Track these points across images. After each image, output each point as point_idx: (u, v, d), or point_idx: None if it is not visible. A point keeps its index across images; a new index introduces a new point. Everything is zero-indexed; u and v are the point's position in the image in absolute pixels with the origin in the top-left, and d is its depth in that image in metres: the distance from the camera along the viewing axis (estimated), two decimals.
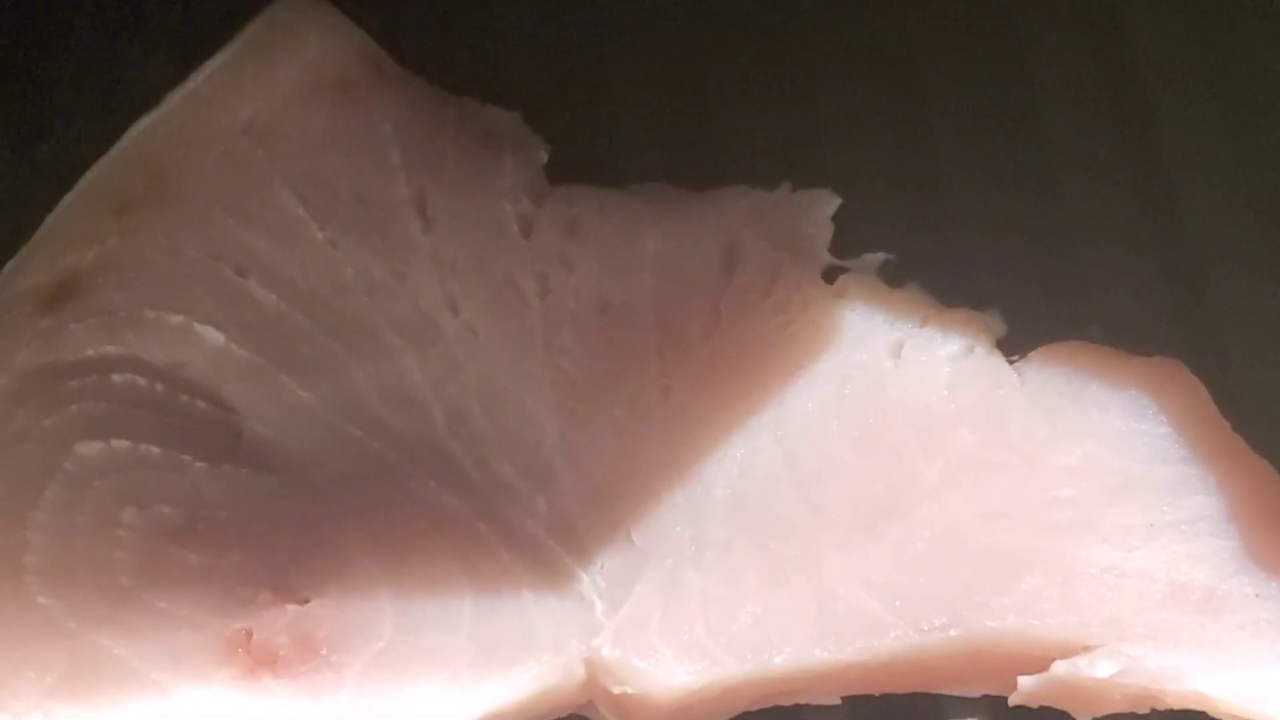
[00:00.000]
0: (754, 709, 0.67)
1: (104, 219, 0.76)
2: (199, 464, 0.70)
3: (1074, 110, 0.85)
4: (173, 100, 0.80)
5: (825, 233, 0.78)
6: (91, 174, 0.78)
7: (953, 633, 0.66)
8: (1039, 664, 0.66)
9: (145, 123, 0.79)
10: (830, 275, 0.77)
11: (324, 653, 0.65)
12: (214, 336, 0.73)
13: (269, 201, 0.77)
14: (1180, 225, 0.81)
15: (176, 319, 0.73)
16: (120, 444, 0.70)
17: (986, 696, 0.68)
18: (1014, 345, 0.75)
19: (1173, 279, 0.79)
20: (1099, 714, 0.67)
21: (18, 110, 0.86)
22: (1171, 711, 0.67)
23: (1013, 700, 0.67)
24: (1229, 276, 0.79)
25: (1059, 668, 0.66)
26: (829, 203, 0.79)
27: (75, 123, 0.86)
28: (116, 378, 0.72)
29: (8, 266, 0.76)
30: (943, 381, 0.73)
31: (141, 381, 0.72)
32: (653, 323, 0.75)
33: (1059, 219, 0.81)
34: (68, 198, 0.78)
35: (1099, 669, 0.65)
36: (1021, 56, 0.85)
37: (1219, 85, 0.84)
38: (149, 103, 0.80)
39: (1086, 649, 0.66)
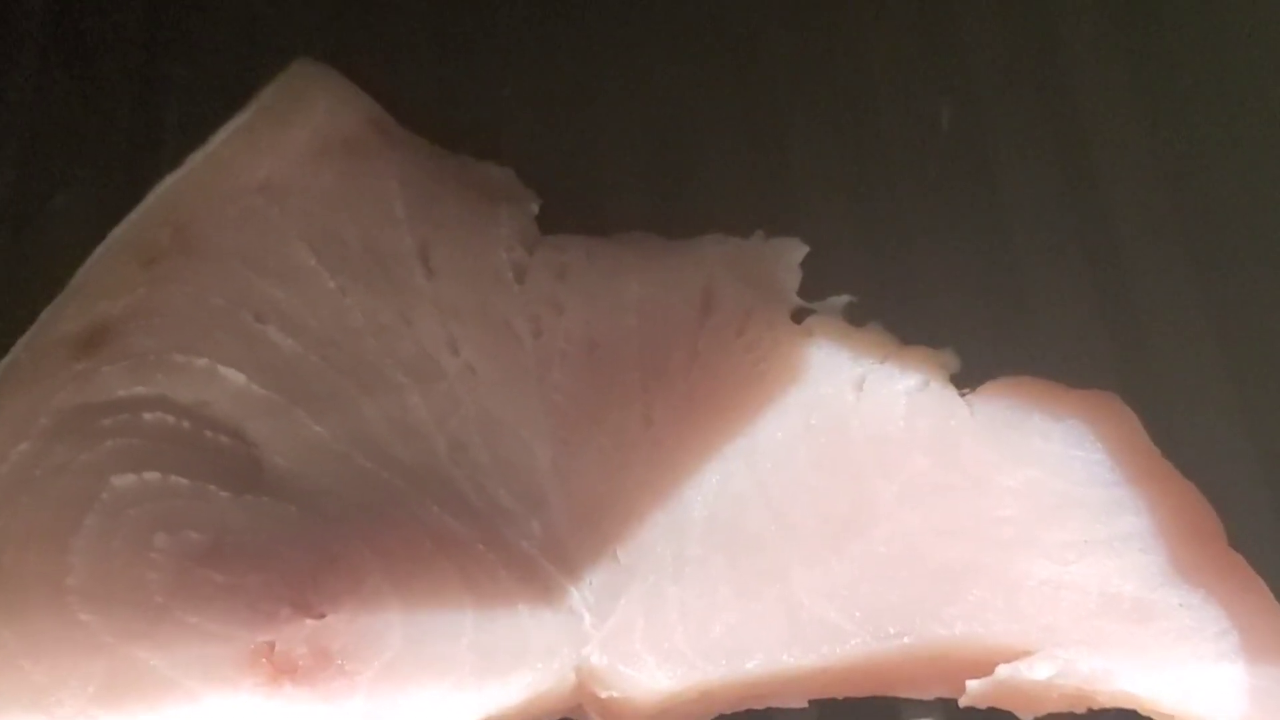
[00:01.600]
0: (729, 711, 0.72)
1: (133, 270, 0.81)
2: (224, 493, 0.75)
3: (1025, 170, 0.89)
4: (194, 160, 0.84)
5: (794, 277, 0.83)
6: (120, 228, 0.83)
7: (907, 640, 0.71)
8: (985, 668, 0.70)
9: (170, 181, 0.84)
10: (799, 316, 0.82)
11: (339, 662, 0.70)
12: (236, 377, 0.78)
13: (284, 254, 0.82)
14: (1120, 275, 0.86)
15: (201, 361, 0.78)
16: (151, 476, 0.75)
17: (939, 699, 0.73)
18: (966, 380, 0.80)
19: (1111, 322, 0.84)
20: (1039, 713, 0.71)
21: (45, 164, 0.90)
22: (1105, 711, 0.72)
23: (962, 702, 0.71)
24: (1163, 320, 0.84)
25: (1002, 671, 0.70)
26: (798, 250, 0.84)
27: (101, 178, 0.90)
28: (147, 415, 0.77)
29: (44, 315, 0.81)
30: (900, 412, 0.78)
31: (170, 419, 0.77)
32: (636, 360, 0.80)
33: (1009, 267, 0.86)
34: (98, 250, 0.82)
35: (1038, 672, 0.70)
36: (978, 121, 0.90)
37: (1161, 148, 0.89)
38: (167, 162, 0.86)
39: (1027, 654, 0.70)
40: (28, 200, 0.89)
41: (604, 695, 0.70)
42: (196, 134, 0.85)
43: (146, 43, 0.93)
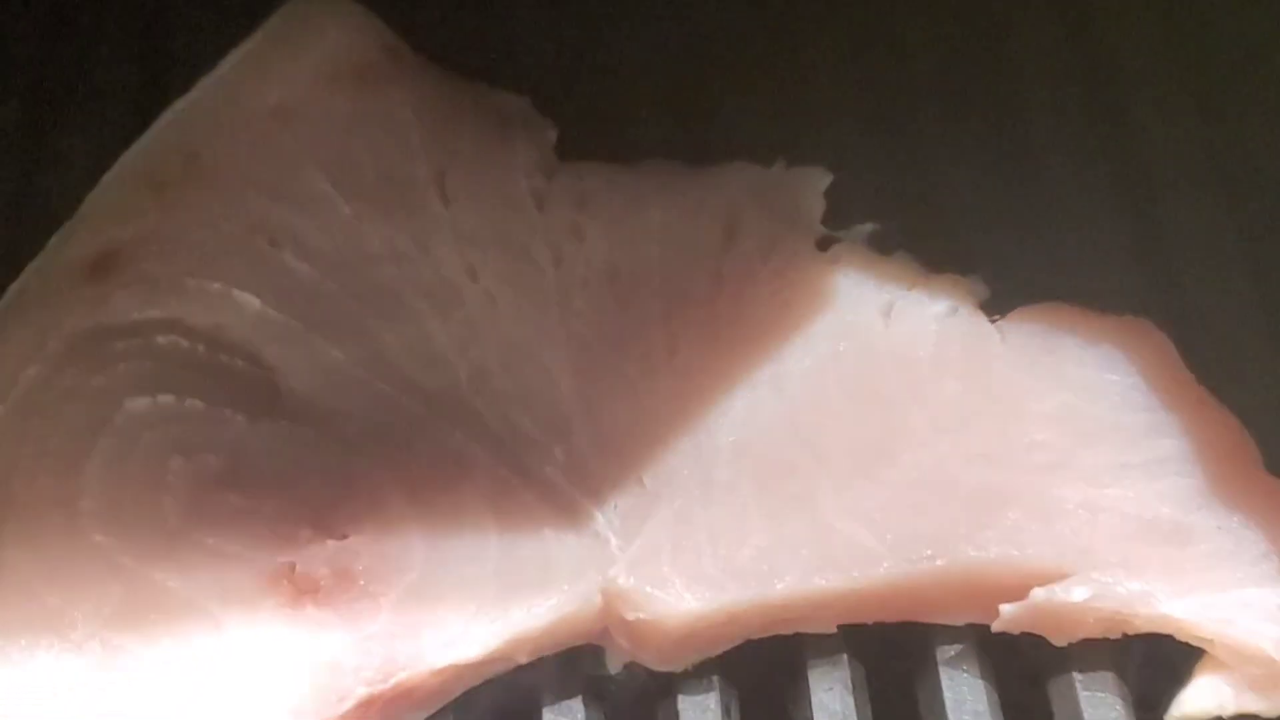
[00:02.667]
0: (756, 636, 0.71)
1: (144, 196, 0.81)
2: (240, 417, 0.74)
3: (1053, 94, 0.89)
4: (203, 87, 0.84)
5: (819, 206, 0.83)
6: (129, 155, 0.83)
7: (940, 563, 0.70)
8: (1019, 592, 0.70)
9: (179, 106, 0.84)
10: (824, 244, 0.81)
11: (362, 583, 0.69)
12: (251, 302, 0.77)
13: (298, 179, 0.81)
14: (1151, 200, 0.86)
15: (215, 286, 0.77)
16: (166, 399, 0.74)
17: (971, 625, 0.72)
18: (995, 307, 0.79)
19: (1142, 247, 0.84)
20: (1074, 638, 0.70)
21: (53, 94, 0.90)
22: (1140, 636, 0.71)
23: (995, 627, 0.70)
24: (1195, 245, 0.84)
25: (1037, 595, 0.69)
26: (822, 178, 0.83)
27: (108, 107, 0.90)
28: (161, 339, 0.76)
29: (53, 240, 0.80)
30: (930, 338, 0.77)
31: (184, 343, 0.76)
32: (659, 288, 0.79)
33: (1038, 193, 0.86)
34: (107, 176, 0.82)
35: (1075, 595, 0.69)
36: (1004, 45, 0.90)
37: (1191, 74, 0.89)
38: (176, 89, 0.85)
39: (1063, 577, 0.70)
40: (37, 129, 0.89)
41: (631, 618, 0.69)
42: (204, 62, 0.84)
43: None
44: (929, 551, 0.70)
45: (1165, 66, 0.89)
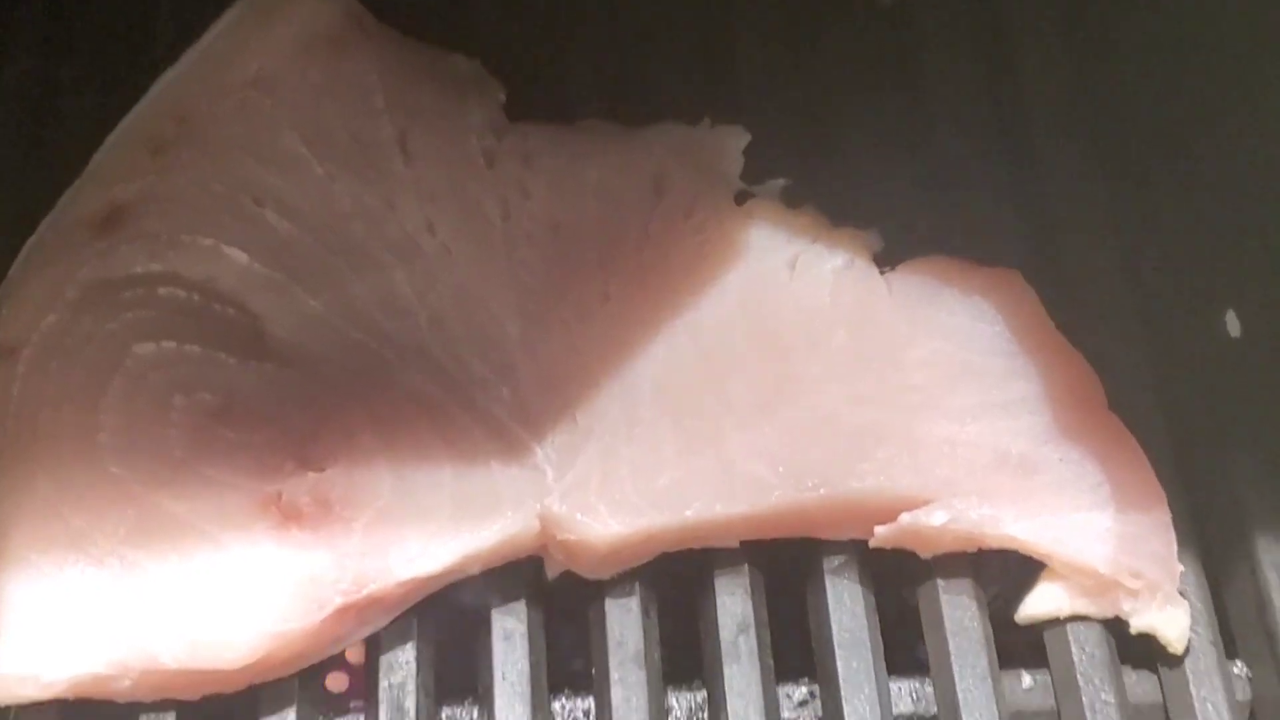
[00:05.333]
0: (671, 549, 0.83)
1: (143, 158, 0.89)
2: (232, 360, 0.84)
3: (950, 65, 0.99)
4: (190, 56, 0.92)
5: (737, 163, 0.92)
6: (129, 119, 0.92)
7: (824, 492, 0.81)
8: (891, 515, 0.81)
9: (170, 75, 0.92)
10: (740, 199, 0.91)
11: (337, 509, 0.80)
12: (239, 256, 0.86)
13: (278, 143, 0.90)
14: (1032, 163, 0.96)
15: (207, 241, 0.86)
16: (168, 344, 0.84)
17: (852, 540, 0.83)
18: (889, 257, 0.90)
19: (1021, 205, 0.94)
20: (936, 552, 0.83)
21: (58, 56, 0.99)
22: (994, 550, 0.83)
23: (872, 544, 0.82)
24: (1068, 205, 0.94)
25: (905, 518, 0.81)
26: (741, 137, 0.93)
27: (103, 72, 0.98)
28: (161, 290, 0.85)
29: (64, 197, 0.90)
30: (827, 290, 0.88)
31: (181, 293, 0.85)
32: (595, 241, 0.89)
33: (933, 154, 0.95)
34: (110, 138, 0.91)
35: (935, 519, 0.81)
36: (909, 17, 1.00)
37: (1077, 47, 0.98)
38: (162, 55, 0.93)
39: (927, 503, 0.81)
40: (40, 89, 0.97)
41: (564, 538, 0.80)
42: (188, 31, 0.92)
43: None
44: (815, 482, 0.81)
45: (1056, 40, 0.99)
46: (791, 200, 0.91)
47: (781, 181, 0.92)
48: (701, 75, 0.98)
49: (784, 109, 0.97)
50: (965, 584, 0.83)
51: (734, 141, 0.93)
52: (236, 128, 0.90)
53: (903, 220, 0.92)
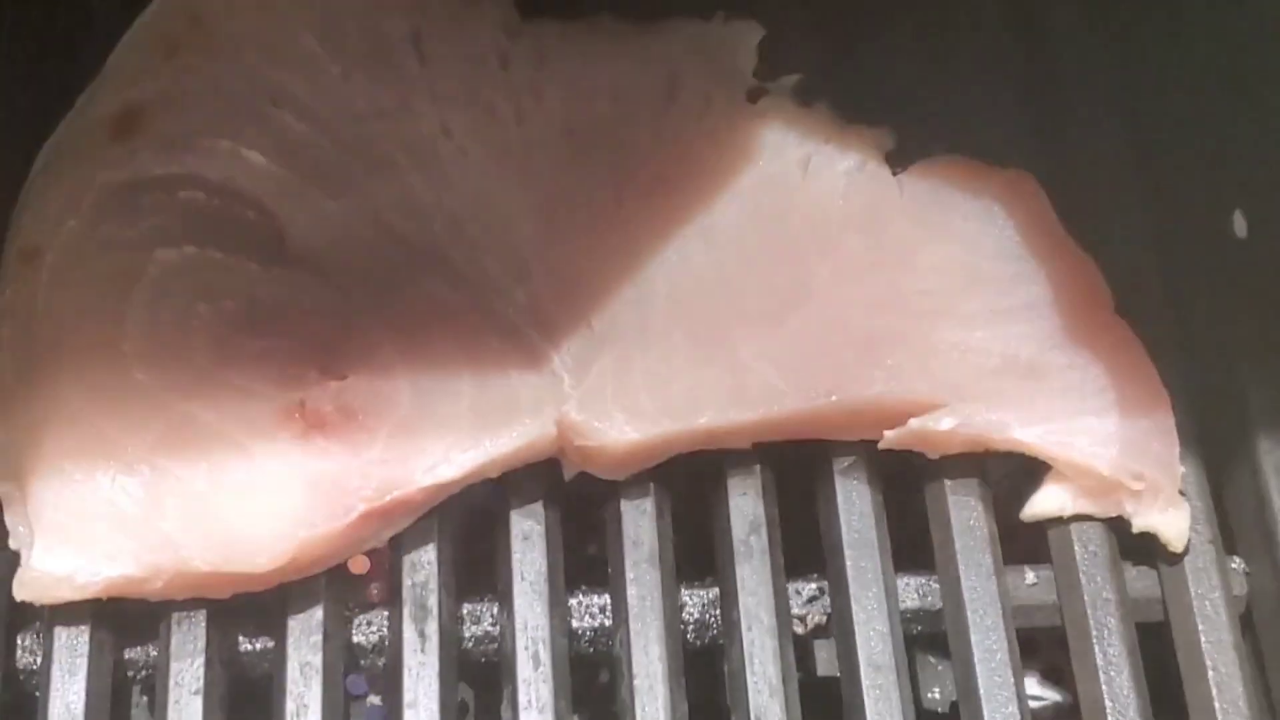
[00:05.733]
0: (685, 451, 0.85)
1: (157, 60, 0.89)
2: (253, 265, 0.85)
3: None
4: None
5: (751, 60, 0.92)
6: (142, 17, 0.91)
7: (834, 398, 0.83)
8: (900, 420, 0.83)
9: None
10: (753, 95, 0.91)
11: (360, 418, 0.81)
12: (257, 158, 0.87)
13: (292, 42, 0.90)
14: (1047, 62, 0.97)
15: (225, 143, 0.87)
16: (190, 250, 0.85)
17: (862, 441, 0.86)
18: (902, 156, 0.90)
19: (1037, 105, 0.95)
20: (944, 453, 0.85)
21: None
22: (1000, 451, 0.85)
23: (880, 446, 0.85)
24: (1083, 107, 0.95)
25: (914, 423, 0.83)
26: (755, 32, 0.93)
27: None
28: (181, 194, 0.86)
29: (80, 98, 0.90)
30: (839, 193, 0.88)
31: (201, 196, 0.86)
32: (608, 144, 0.89)
33: (945, 50, 0.96)
34: (125, 38, 0.91)
35: (943, 424, 0.83)
36: None
37: None
38: None
39: (935, 408, 0.83)
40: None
41: (580, 444, 0.82)
42: None
43: None
44: (826, 389, 0.83)
45: None
46: (805, 96, 0.91)
47: (795, 77, 0.92)
48: None
49: (799, 2, 0.96)
50: (972, 484, 0.85)
51: (748, 36, 0.93)
52: (250, 26, 0.90)
53: (916, 117, 0.92)
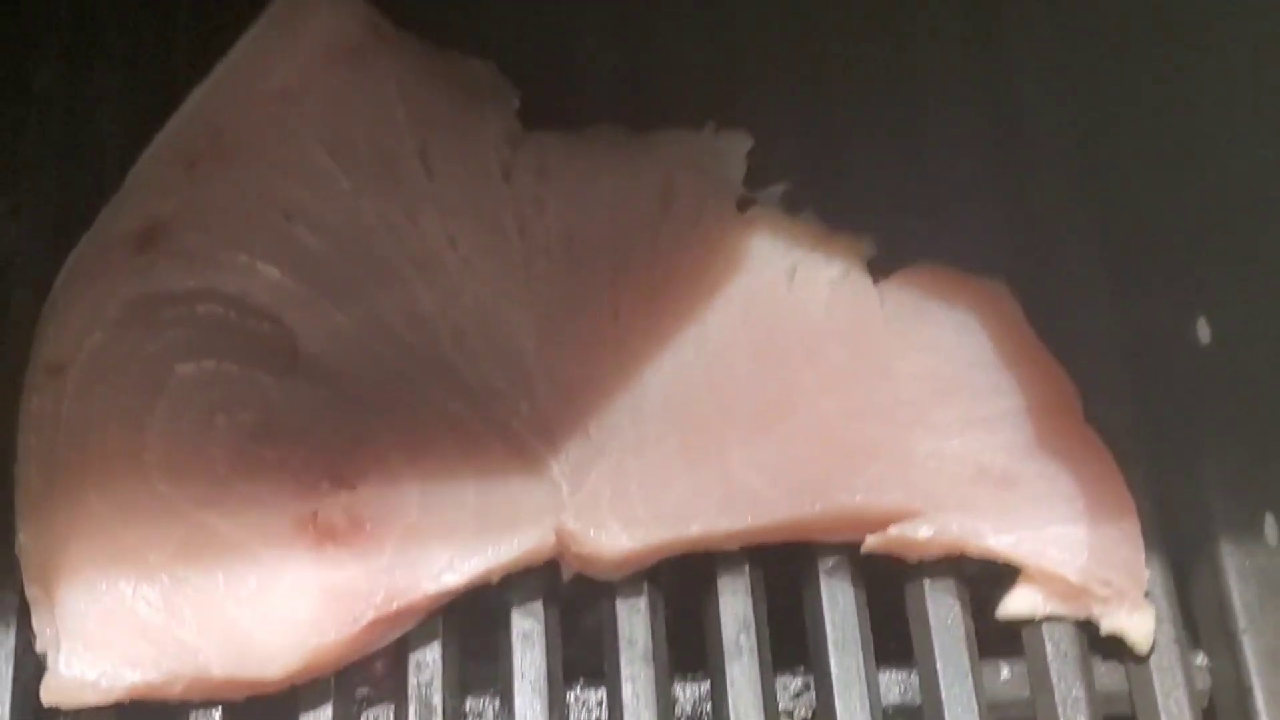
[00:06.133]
0: (675, 554, 0.90)
1: (178, 172, 0.93)
2: (268, 378, 0.88)
3: (948, 78, 1.02)
4: (219, 69, 0.96)
5: (740, 170, 0.97)
6: (163, 133, 0.95)
7: (819, 507, 0.87)
8: (881, 526, 0.87)
9: (202, 87, 0.96)
10: (743, 205, 0.95)
11: (369, 528, 0.86)
12: (271, 271, 0.91)
13: (304, 156, 0.93)
14: (1022, 176, 0.99)
15: (242, 257, 0.91)
16: (208, 364, 0.89)
17: (846, 543, 0.90)
18: (882, 263, 0.95)
19: (1010, 217, 0.98)
20: (923, 559, 0.90)
21: (89, 62, 1.02)
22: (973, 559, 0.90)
23: (863, 550, 0.89)
24: (1056, 218, 0.98)
25: (894, 530, 0.87)
26: (744, 142, 0.98)
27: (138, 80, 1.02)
28: (200, 307, 0.90)
29: (103, 212, 0.94)
30: (823, 303, 0.92)
31: (219, 310, 0.90)
32: (606, 253, 0.93)
33: (929, 162, 0.99)
34: (146, 153, 0.95)
35: (921, 532, 0.87)
36: (910, 29, 1.03)
37: (1070, 68, 1.02)
38: (182, 63, 0.98)
39: (914, 515, 0.88)
40: (70, 93, 1.01)
41: (577, 550, 0.87)
42: (208, 36, 0.97)
43: None
44: (811, 497, 0.87)
45: (1052, 59, 1.02)
46: (791, 204, 0.95)
47: (782, 186, 0.96)
48: (707, 77, 1.01)
49: (786, 113, 1.00)
50: (949, 584, 0.89)
51: (738, 147, 0.97)
52: (265, 141, 0.94)
53: (896, 222, 0.97)
